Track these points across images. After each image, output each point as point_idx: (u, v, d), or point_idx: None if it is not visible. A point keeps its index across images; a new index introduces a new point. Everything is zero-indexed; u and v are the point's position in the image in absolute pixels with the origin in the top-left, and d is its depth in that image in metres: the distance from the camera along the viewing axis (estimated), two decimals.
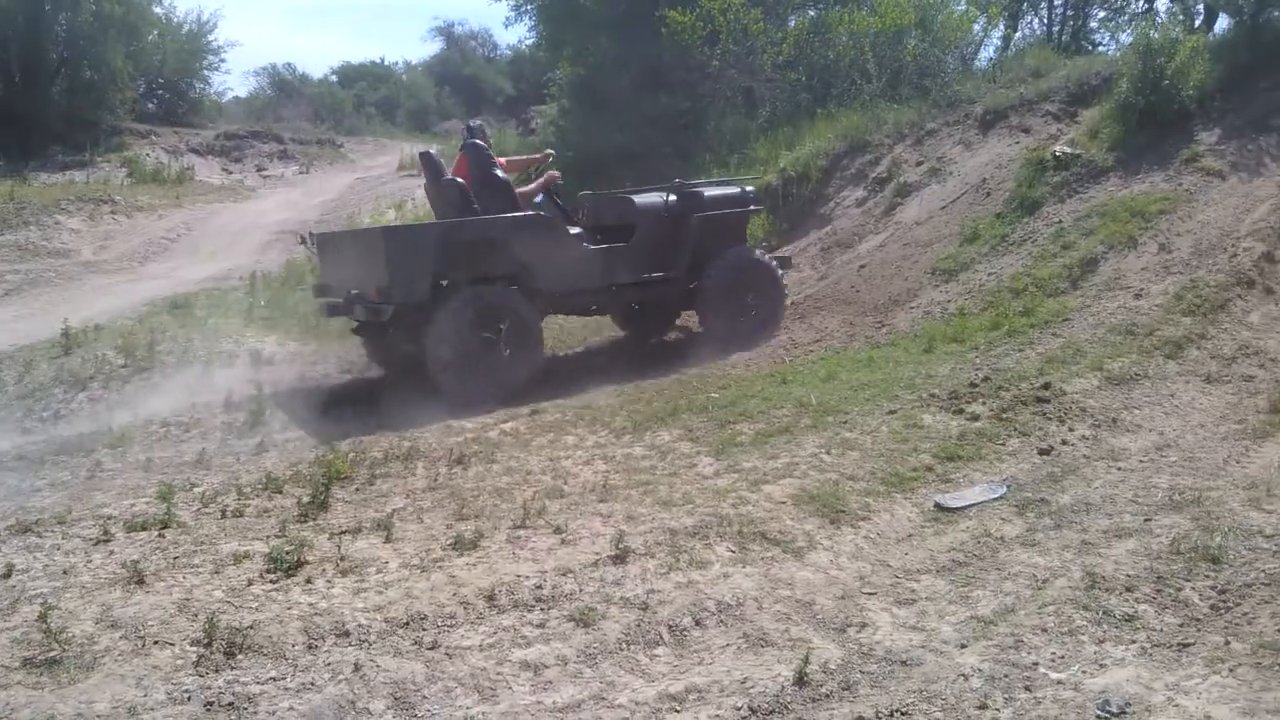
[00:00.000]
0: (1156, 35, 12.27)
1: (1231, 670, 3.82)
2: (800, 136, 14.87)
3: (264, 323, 11.38)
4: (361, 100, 40.41)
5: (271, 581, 5.01)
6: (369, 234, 10.33)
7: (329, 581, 5.00)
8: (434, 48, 47.37)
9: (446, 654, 4.29)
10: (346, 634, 4.44)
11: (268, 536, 5.63)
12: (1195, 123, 11.43)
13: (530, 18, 21.98)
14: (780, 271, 10.46)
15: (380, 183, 22.98)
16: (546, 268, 9.12)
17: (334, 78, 44.07)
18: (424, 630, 4.49)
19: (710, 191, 10.38)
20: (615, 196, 10.63)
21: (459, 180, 9.41)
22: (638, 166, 15.71)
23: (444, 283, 8.73)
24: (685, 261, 9.84)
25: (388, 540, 5.54)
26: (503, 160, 9.95)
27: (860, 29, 15.95)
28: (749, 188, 11.00)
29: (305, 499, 6.13)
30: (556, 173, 10.16)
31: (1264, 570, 4.71)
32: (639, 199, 10.05)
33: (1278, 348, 7.95)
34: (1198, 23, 16.57)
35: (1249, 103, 11.56)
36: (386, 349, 9.50)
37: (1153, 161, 11.01)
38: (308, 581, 4.99)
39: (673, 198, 10.00)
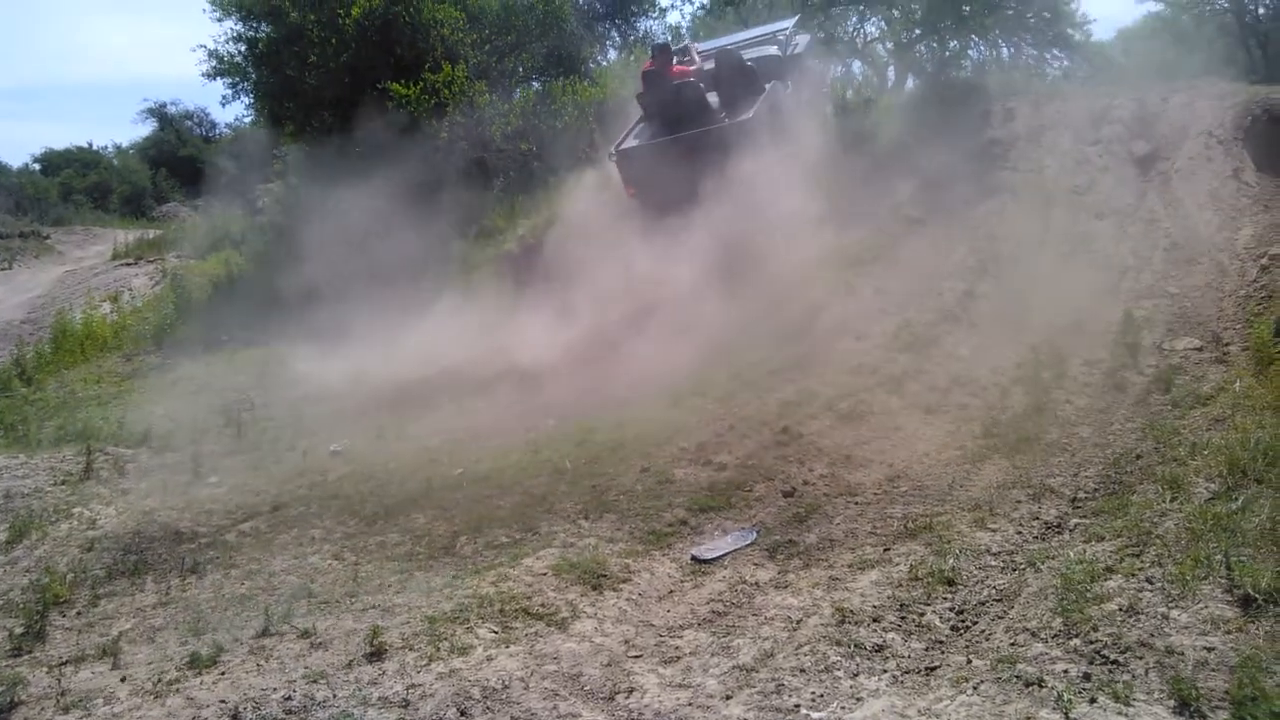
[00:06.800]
0: (852, 94, 13.29)
1: (975, 688, 4.03)
2: (535, 205, 15.04)
3: None
4: (69, 188, 37.60)
5: None
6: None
7: None
8: (146, 130, 44.66)
9: None
10: None
11: None
12: (894, 175, 12.41)
13: (247, 94, 21.19)
14: None
15: (93, 274, 21.31)
16: None
17: (36, 165, 40.90)
18: None
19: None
20: None
21: (692, 80, 12.91)
22: (373, 240, 15.35)
23: None
24: None
25: (115, 666, 5.05)
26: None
27: (584, 99, 16.38)
28: None
29: (18, 630, 5.56)
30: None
31: (994, 587, 5.03)
32: None
33: (986, 376, 8.64)
34: (890, 84, 18.11)
35: (939, 154, 12.68)
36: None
37: (861, 212, 11.84)
38: None
39: None
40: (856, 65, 20.31)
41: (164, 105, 43.85)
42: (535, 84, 18.76)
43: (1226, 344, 8.46)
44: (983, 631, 4.60)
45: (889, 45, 19.29)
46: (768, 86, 12.82)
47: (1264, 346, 7.94)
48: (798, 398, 8.43)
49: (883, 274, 10.56)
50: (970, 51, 18.27)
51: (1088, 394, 8.11)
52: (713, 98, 12.99)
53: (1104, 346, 8.87)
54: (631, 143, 13.02)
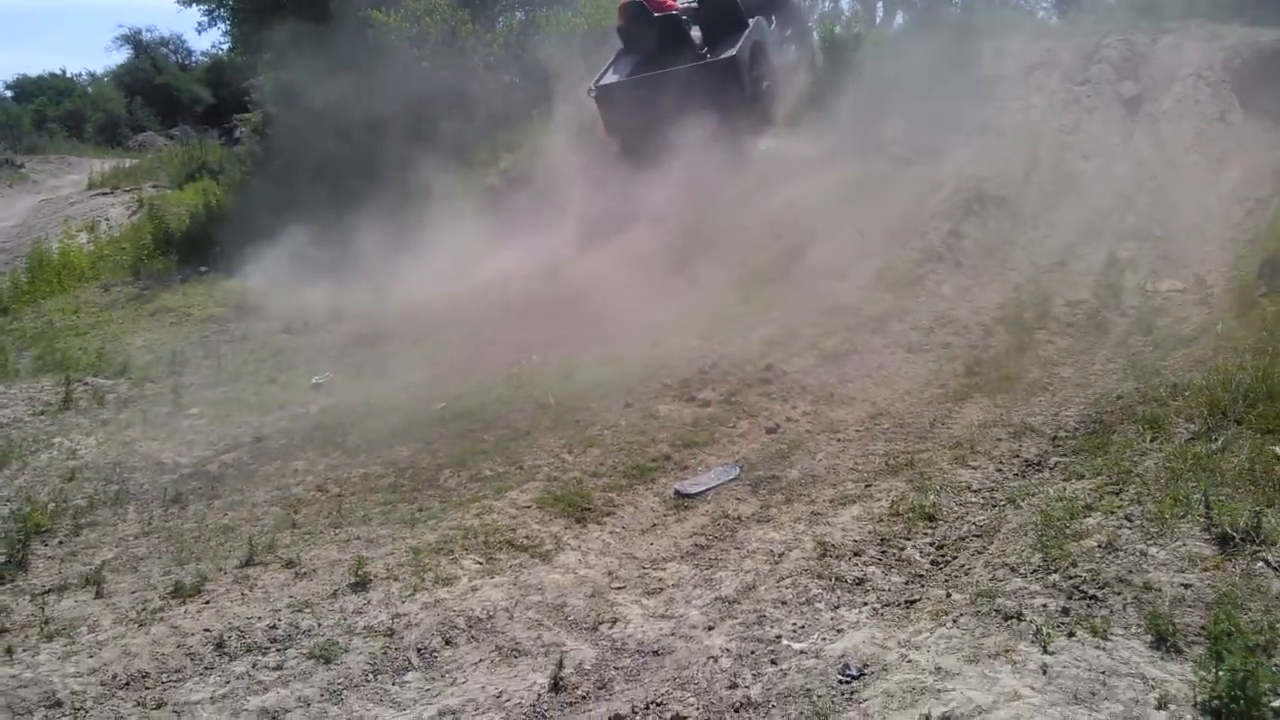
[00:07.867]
0: (839, 30, 13.12)
1: (955, 621, 4.07)
2: (518, 138, 14.85)
3: None
4: (43, 116, 36.89)
5: None
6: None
7: (33, 648, 4.51)
8: (121, 57, 43.69)
9: (174, 711, 3.95)
10: (59, 704, 4.02)
11: None
12: (880, 113, 12.30)
13: (224, 21, 20.76)
14: None
15: (69, 203, 20.95)
16: None
17: (9, 93, 40.07)
18: (147, 689, 4.11)
19: None
20: None
21: (674, 14, 12.83)
22: (352, 172, 15.17)
23: None
24: None
25: (99, 595, 5.05)
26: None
27: (568, 29, 16.11)
28: None
29: (0, 559, 5.52)
30: None
31: (974, 523, 5.08)
32: None
33: (969, 316, 8.65)
34: (878, 19, 17.90)
35: (926, 92, 12.55)
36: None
37: (846, 151, 11.74)
38: (8, 651, 4.49)
39: None
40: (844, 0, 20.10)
41: (139, 32, 42.92)
42: (519, 14, 18.42)
43: (1210, 286, 8.50)
44: (962, 566, 4.65)
45: None
46: (751, 22, 12.64)
47: (1247, 289, 7.98)
48: (781, 336, 8.43)
49: (867, 213, 10.50)
50: None
51: (1070, 334, 8.14)
52: (695, 33, 12.80)
53: (1087, 287, 8.89)
54: (611, 78, 12.83)
